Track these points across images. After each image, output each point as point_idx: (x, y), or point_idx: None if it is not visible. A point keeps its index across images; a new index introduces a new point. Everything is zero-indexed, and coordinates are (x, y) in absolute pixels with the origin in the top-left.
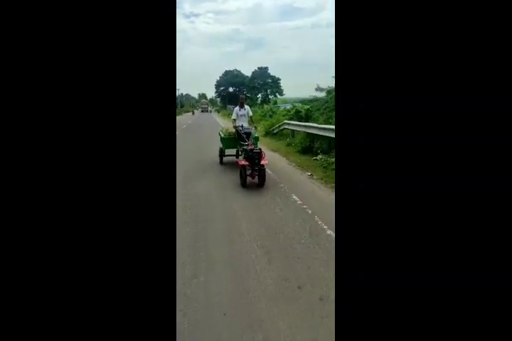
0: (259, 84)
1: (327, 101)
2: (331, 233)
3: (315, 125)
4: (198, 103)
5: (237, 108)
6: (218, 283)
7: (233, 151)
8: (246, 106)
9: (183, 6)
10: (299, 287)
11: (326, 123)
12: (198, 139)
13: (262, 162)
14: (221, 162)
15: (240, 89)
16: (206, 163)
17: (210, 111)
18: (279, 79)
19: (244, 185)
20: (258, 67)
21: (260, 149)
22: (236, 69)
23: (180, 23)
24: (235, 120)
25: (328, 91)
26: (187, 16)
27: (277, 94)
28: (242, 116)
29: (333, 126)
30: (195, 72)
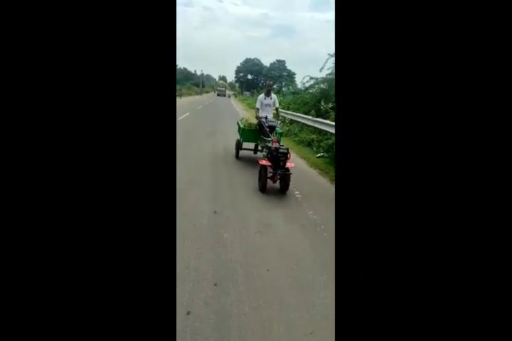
0: (275, 75)
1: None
2: None
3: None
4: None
5: (262, 96)
6: None
7: (251, 145)
8: (273, 95)
9: None
10: None
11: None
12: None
13: (288, 165)
14: (237, 156)
15: (257, 77)
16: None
17: (229, 96)
18: (294, 73)
19: (263, 189)
20: (277, 60)
21: (287, 149)
22: (256, 58)
23: (209, 0)
24: (258, 109)
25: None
26: None
27: (290, 88)
28: (267, 105)
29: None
30: (218, 53)
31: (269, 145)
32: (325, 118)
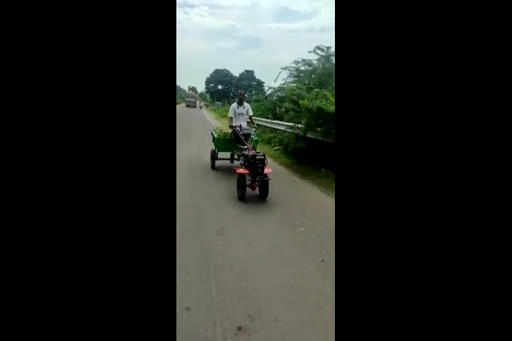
0: (245, 85)
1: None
2: None
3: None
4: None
5: (234, 105)
6: None
7: (227, 154)
8: (245, 104)
9: None
10: None
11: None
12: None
13: (266, 170)
14: (213, 166)
15: (228, 87)
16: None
17: (201, 107)
18: (263, 82)
19: (242, 197)
20: (245, 70)
21: (264, 155)
22: (226, 69)
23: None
24: (231, 118)
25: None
26: (181, 6)
27: (260, 95)
28: (240, 114)
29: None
30: (187, 64)
31: (246, 153)
32: (280, 120)
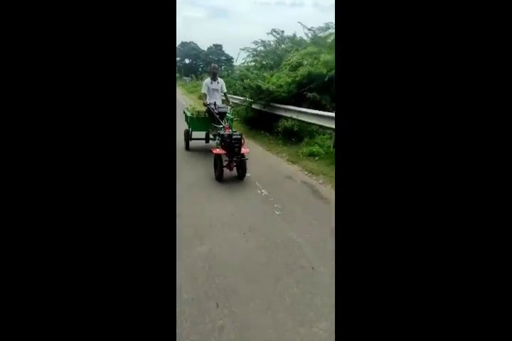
0: (214, 60)
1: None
2: None
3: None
4: None
5: (208, 80)
6: None
7: (201, 134)
8: (219, 79)
9: None
10: None
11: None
12: None
13: (243, 150)
14: (187, 147)
15: (196, 62)
16: None
17: None
18: (232, 58)
19: (220, 178)
20: (213, 44)
21: (241, 134)
22: (193, 42)
23: None
24: (205, 95)
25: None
26: None
27: (230, 71)
28: (214, 90)
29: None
30: None
31: (222, 132)
32: (238, 96)
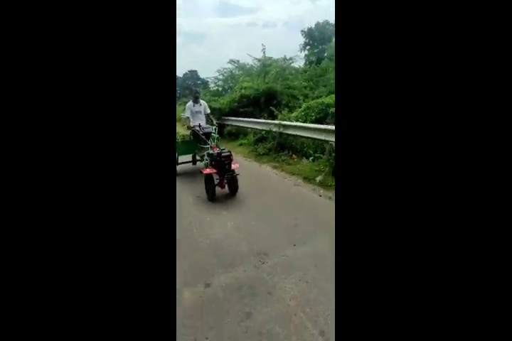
0: (190, 85)
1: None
2: None
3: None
4: None
5: (190, 103)
6: None
7: (188, 158)
8: (202, 102)
9: None
10: None
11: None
12: None
13: (233, 166)
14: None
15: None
16: None
17: None
18: (207, 82)
19: (212, 198)
20: (188, 70)
21: (230, 151)
22: None
23: None
24: (188, 118)
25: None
26: None
27: (207, 94)
28: (197, 113)
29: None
30: None
31: (211, 152)
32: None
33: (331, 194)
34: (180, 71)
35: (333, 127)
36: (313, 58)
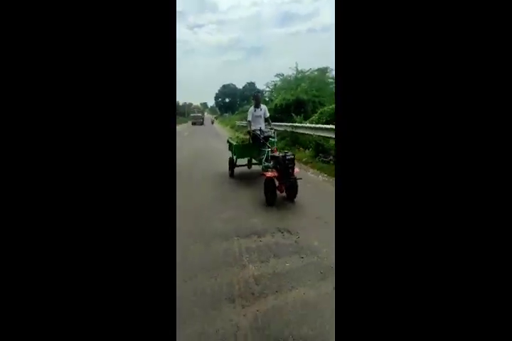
0: (248, 95)
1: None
2: None
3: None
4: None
5: (251, 109)
6: None
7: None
8: (262, 106)
9: (187, 18)
10: None
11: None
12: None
13: (295, 171)
14: (232, 175)
15: (234, 99)
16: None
17: (212, 122)
18: (264, 92)
19: (273, 203)
20: (248, 83)
21: (293, 155)
22: (232, 83)
23: (184, 33)
24: (250, 122)
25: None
26: (190, 27)
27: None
28: (258, 117)
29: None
30: (198, 82)
31: (276, 154)
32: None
33: (306, 166)
34: (241, 84)
35: (323, 125)
36: None
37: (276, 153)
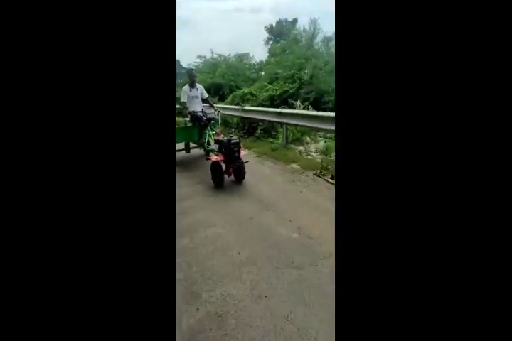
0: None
1: None
2: None
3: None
4: None
5: (186, 88)
6: None
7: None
8: (198, 85)
9: None
10: None
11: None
12: None
13: (241, 153)
14: None
15: None
16: None
17: None
18: (192, 69)
19: (221, 185)
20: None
21: (238, 138)
22: None
23: None
24: (185, 103)
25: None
26: None
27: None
28: (194, 97)
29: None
30: None
31: (220, 138)
32: None
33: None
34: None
35: (230, 106)
36: (278, 51)
37: (221, 137)
